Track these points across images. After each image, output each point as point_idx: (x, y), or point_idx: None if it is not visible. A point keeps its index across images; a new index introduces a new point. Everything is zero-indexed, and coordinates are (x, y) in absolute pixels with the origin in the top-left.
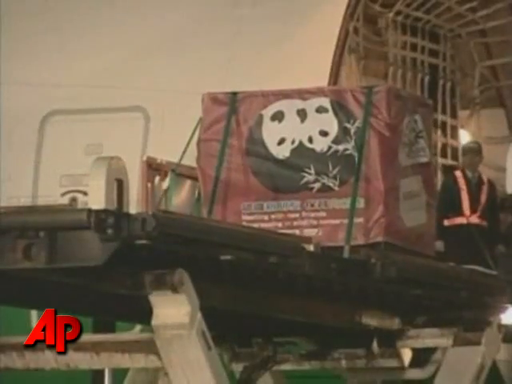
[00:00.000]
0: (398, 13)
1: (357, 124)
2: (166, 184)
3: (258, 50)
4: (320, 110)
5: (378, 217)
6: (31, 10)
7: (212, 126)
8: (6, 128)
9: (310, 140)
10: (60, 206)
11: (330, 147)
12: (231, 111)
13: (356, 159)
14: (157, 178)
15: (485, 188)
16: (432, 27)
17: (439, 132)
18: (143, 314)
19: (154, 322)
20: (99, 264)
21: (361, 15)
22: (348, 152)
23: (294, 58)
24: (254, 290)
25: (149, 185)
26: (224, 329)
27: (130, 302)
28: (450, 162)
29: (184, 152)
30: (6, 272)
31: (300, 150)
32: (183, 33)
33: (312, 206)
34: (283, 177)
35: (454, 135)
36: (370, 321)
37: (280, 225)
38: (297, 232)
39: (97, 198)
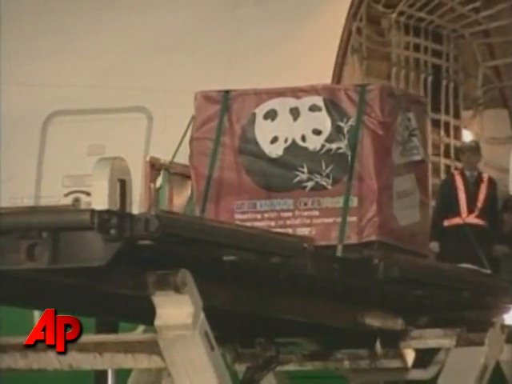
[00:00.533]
0: (401, 13)
1: (350, 122)
2: (158, 183)
3: (261, 51)
4: (313, 108)
5: (372, 216)
6: (33, 10)
7: (205, 124)
8: (9, 129)
9: (303, 138)
10: (63, 206)
11: (323, 146)
12: (224, 109)
13: (349, 158)
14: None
15: (483, 187)
16: (435, 28)
17: (442, 132)
18: (146, 315)
19: (157, 322)
20: (102, 264)
21: (364, 15)
22: (341, 151)
23: (296, 58)
24: (257, 291)
25: (152, 185)
26: (227, 329)
27: (132, 302)
28: (453, 162)
29: (176, 151)
30: (9, 272)
31: (293, 148)
32: (185, 33)
33: (305, 204)
34: (276, 175)
35: (457, 135)
36: (373, 321)
37: (273, 224)
38: (290, 231)
39: (100, 199)
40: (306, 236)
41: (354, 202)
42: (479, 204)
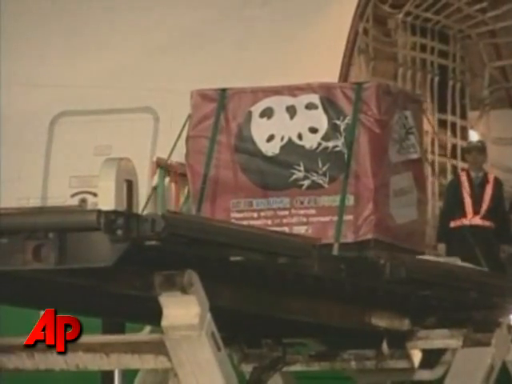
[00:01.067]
0: (408, 14)
1: (346, 120)
2: (154, 181)
3: (268, 51)
4: (309, 106)
5: (368, 214)
6: (41, 11)
7: (201, 122)
8: (16, 129)
9: (300, 137)
10: (70, 207)
11: (319, 144)
12: (220, 108)
13: (346, 156)
14: (166, 179)
15: (489, 188)
16: (441, 28)
17: (449, 133)
18: (153, 315)
19: (164, 322)
20: (109, 265)
21: (370, 16)
22: (338, 149)
23: (303, 58)
24: (264, 291)
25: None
26: (233, 330)
27: (139, 302)
28: (459, 162)
29: (172, 149)
30: (15, 273)
31: (289, 146)
32: (193, 33)
33: (301, 203)
34: (272, 174)
35: (464, 136)
36: (380, 322)
37: (269, 222)
38: (286, 229)
39: (106, 199)
40: (314, 237)
41: (350, 200)
42: (485, 205)
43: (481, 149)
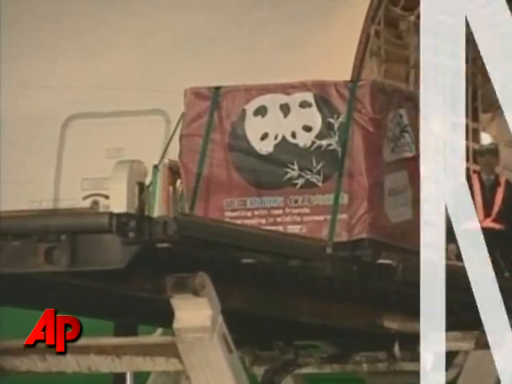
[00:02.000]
0: (419, 16)
1: (341, 119)
2: (148, 180)
3: (278, 54)
4: (303, 104)
5: (362, 213)
6: (51, 13)
7: (194, 120)
8: (28, 132)
9: (294, 135)
10: (81, 209)
11: (313, 142)
12: (214, 106)
13: (340, 155)
14: (178, 181)
15: (500, 190)
16: None
17: None
18: (165, 317)
19: (176, 325)
20: (121, 267)
21: (382, 18)
22: (332, 147)
23: (314, 61)
24: (275, 293)
25: (170, 188)
26: (245, 332)
27: (151, 305)
28: (471, 165)
29: (166, 148)
30: (27, 275)
31: (283, 145)
32: (204, 35)
33: (295, 202)
34: (266, 172)
35: (476, 138)
36: (392, 324)
37: (263, 221)
38: (280, 228)
39: (118, 202)
40: (322, 239)
41: (344, 199)
42: (496, 208)
43: (494, 151)
